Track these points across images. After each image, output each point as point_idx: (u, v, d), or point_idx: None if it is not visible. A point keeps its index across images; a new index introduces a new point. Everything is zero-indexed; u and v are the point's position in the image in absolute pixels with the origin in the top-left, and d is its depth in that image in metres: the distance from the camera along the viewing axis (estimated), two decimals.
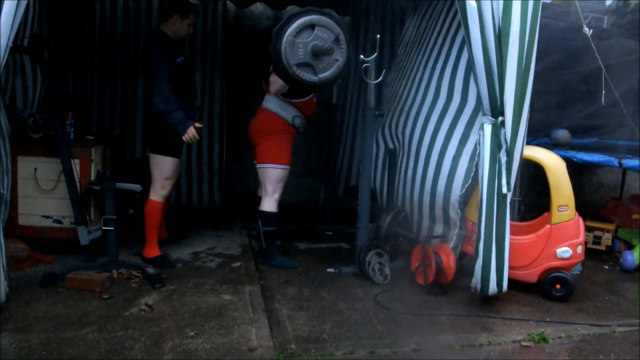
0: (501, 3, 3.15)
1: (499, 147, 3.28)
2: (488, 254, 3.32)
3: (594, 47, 3.93)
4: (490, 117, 3.29)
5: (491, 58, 3.19)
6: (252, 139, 4.13)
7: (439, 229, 3.79)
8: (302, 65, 3.48)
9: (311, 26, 3.46)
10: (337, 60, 3.53)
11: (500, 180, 3.29)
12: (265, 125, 4.04)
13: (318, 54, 3.47)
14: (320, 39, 3.46)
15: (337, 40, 3.52)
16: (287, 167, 4.06)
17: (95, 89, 5.23)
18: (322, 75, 3.53)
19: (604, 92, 4.04)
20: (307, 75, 3.50)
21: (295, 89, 3.88)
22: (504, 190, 3.30)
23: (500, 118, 3.26)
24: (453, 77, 3.77)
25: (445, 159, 3.68)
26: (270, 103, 4.07)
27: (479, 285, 3.36)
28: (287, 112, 4.05)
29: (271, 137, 4.02)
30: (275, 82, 3.82)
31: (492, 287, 3.35)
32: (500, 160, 3.29)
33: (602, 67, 3.97)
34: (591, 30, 4.05)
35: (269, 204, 4.03)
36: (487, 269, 3.33)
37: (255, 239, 4.78)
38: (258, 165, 4.09)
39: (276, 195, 4.04)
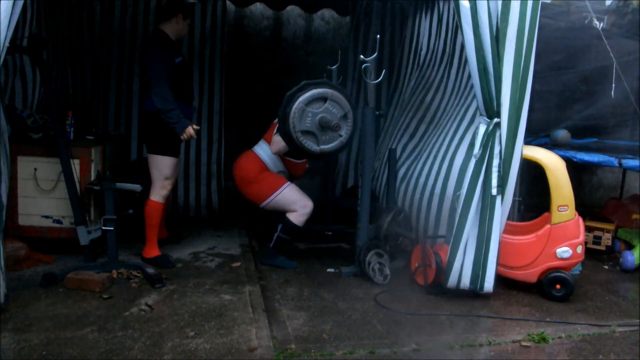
0: (500, 3, 3.14)
1: (492, 149, 3.27)
2: (455, 249, 3.38)
3: (605, 40, 3.92)
4: (485, 118, 3.29)
5: (487, 59, 3.18)
6: (237, 184, 4.16)
7: (442, 232, 3.78)
8: (306, 133, 3.59)
9: (324, 99, 3.58)
10: (341, 136, 3.64)
11: (490, 181, 3.29)
12: (250, 171, 4.06)
13: (325, 126, 3.58)
14: (329, 112, 3.59)
15: (345, 116, 3.64)
16: (288, 183, 4.06)
17: (94, 89, 5.23)
18: (324, 147, 3.65)
19: (613, 86, 4.04)
20: (309, 144, 3.61)
21: (294, 153, 3.96)
22: (494, 192, 3.30)
23: (495, 119, 3.25)
24: (464, 82, 3.75)
25: (454, 163, 3.67)
26: (262, 150, 4.12)
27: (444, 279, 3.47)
28: (274, 165, 4.11)
29: (255, 180, 4.05)
30: (278, 142, 3.86)
31: (452, 282, 3.44)
32: (491, 162, 3.28)
33: (614, 61, 3.96)
34: (602, 24, 4.05)
35: (297, 216, 4.00)
36: (450, 264, 3.40)
37: (255, 238, 4.79)
38: (263, 205, 4.08)
39: (306, 209, 4.00)
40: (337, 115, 3.62)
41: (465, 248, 3.38)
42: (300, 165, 4.22)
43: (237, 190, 4.24)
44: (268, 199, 4.02)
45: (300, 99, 3.53)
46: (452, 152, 3.73)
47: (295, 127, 3.55)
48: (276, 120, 3.84)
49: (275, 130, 3.99)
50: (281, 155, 4.09)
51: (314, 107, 3.58)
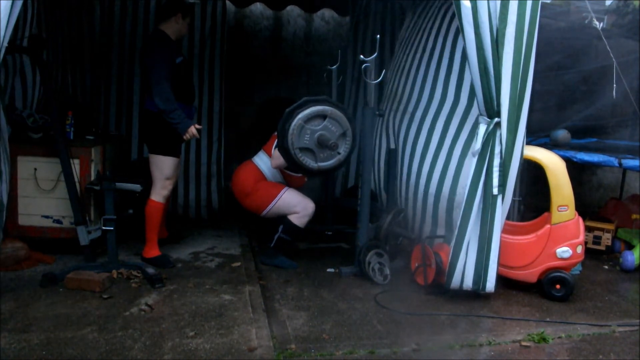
0: (498, 3, 3.14)
1: (493, 149, 3.28)
2: (457, 251, 3.38)
3: (605, 40, 3.92)
4: (485, 118, 3.29)
5: (487, 59, 3.18)
6: (236, 197, 4.18)
7: (441, 231, 3.79)
8: (304, 150, 3.60)
9: (323, 116, 3.59)
10: (339, 154, 3.66)
11: (491, 181, 3.29)
12: (247, 183, 4.08)
13: (323, 144, 3.59)
14: (328, 130, 3.60)
15: (344, 134, 3.65)
16: (287, 188, 4.07)
17: (94, 89, 5.22)
18: (322, 165, 3.66)
19: (615, 86, 4.04)
20: (307, 160, 3.62)
21: (292, 169, 3.98)
22: (495, 192, 3.30)
23: (495, 119, 3.25)
24: (460, 80, 3.75)
25: (451, 161, 3.67)
26: (261, 162, 4.14)
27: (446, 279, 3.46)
28: (272, 177, 4.13)
29: (253, 190, 4.07)
30: (279, 157, 3.87)
31: (455, 283, 3.43)
32: (492, 162, 3.28)
33: (614, 60, 3.96)
34: (602, 24, 4.05)
35: (298, 218, 4.01)
36: (453, 265, 3.40)
37: (255, 238, 4.78)
38: (264, 213, 4.08)
39: (308, 211, 4.00)
40: (336, 133, 3.63)
41: (468, 249, 3.38)
42: (300, 178, 4.23)
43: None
44: (268, 206, 4.02)
45: (300, 115, 3.55)
46: (447, 152, 3.72)
47: (294, 144, 3.56)
48: (276, 133, 3.85)
49: (275, 144, 4.00)
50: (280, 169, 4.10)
51: (313, 124, 3.59)
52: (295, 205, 4.00)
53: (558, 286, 3.59)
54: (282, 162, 3.85)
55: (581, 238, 3.65)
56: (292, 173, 4.14)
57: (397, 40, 5.31)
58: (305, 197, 4.05)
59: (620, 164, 4.25)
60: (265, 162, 4.13)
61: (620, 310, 3.50)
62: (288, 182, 4.19)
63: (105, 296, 3.30)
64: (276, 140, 3.76)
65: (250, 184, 4.07)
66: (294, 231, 4.03)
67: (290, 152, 3.58)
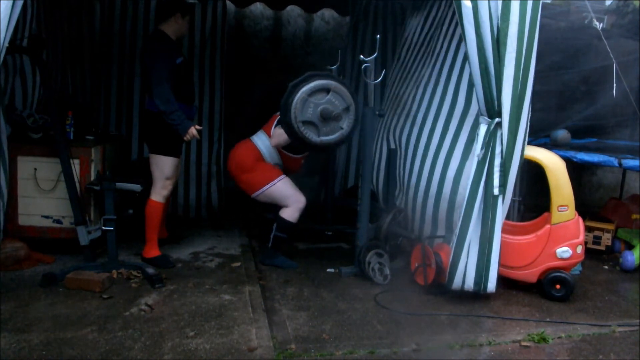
0: (500, 3, 3.14)
1: (494, 149, 3.28)
2: (459, 251, 3.37)
3: (605, 40, 3.92)
4: (486, 118, 3.29)
5: (488, 59, 3.18)
6: (231, 172, 4.16)
7: (441, 231, 3.78)
8: (307, 123, 3.59)
9: (327, 90, 3.59)
10: (342, 128, 3.65)
11: (492, 181, 3.29)
12: (247, 159, 4.06)
13: (326, 117, 3.58)
14: (332, 104, 3.59)
15: (347, 109, 3.64)
16: (283, 176, 4.06)
17: (94, 89, 5.22)
18: (325, 138, 3.64)
19: (614, 85, 4.04)
20: (310, 134, 3.61)
21: (294, 145, 3.94)
22: (495, 192, 3.30)
23: (496, 119, 3.25)
24: (459, 81, 3.75)
25: (451, 162, 3.67)
26: (260, 141, 4.12)
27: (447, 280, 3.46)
28: (270, 157, 4.11)
29: (251, 168, 4.05)
30: (279, 135, 3.85)
31: (456, 283, 3.42)
32: (493, 162, 3.28)
33: (614, 60, 3.95)
34: (602, 24, 4.05)
35: (290, 213, 4.01)
36: (454, 266, 3.39)
37: (256, 238, 4.78)
38: (255, 195, 4.07)
39: (299, 205, 4.00)
40: (339, 107, 3.61)
41: (469, 249, 3.37)
42: (297, 160, 4.21)
43: (237, 190, 4.23)
44: (261, 189, 4.01)
45: (304, 89, 3.53)
46: (447, 152, 3.71)
47: (297, 117, 3.53)
48: (277, 113, 3.83)
49: (275, 123, 3.98)
50: (279, 149, 4.09)
51: (317, 97, 3.57)
52: (288, 196, 3.99)
53: (558, 286, 3.59)
54: (283, 140, 3.84)
55: (581, 238, 3.65)
56: (290, 154, 4.12)
57: (397, 41, 5.32)
58: (298, 190, 4.04)
59: (620, 164, 4.25)
60: (264, 141, 4.10)
61: (620, 310, 3.50)
62: (285, 163, 4.16)
63: (105, 296, 3.31)
64: (277, 119, 3.74)
65: (250, 161, 4.05)
66: (287, 227, 4.02)
67: (294, 126, 3.56)
